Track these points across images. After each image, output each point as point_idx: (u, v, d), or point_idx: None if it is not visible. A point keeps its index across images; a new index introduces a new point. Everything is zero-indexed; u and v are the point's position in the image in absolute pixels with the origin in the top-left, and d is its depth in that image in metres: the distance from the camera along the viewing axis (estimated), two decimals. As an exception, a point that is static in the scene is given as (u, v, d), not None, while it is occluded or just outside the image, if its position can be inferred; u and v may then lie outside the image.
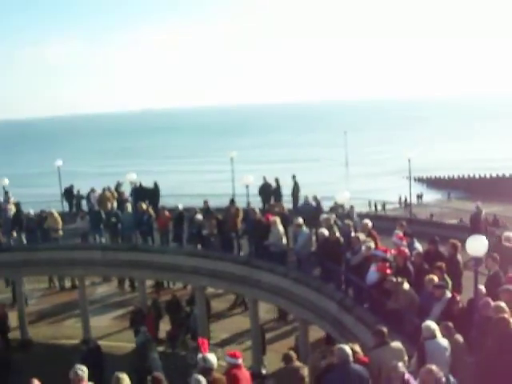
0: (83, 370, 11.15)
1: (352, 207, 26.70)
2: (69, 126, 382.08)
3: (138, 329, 27.71)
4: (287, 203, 32.70)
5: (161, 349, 28.79)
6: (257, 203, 31.64)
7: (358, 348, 12.43)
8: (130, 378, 11.18)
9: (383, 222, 30.42)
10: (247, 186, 25.74)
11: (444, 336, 11.88)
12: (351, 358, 11.20)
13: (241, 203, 29.55)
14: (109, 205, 33.85)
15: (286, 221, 26.10)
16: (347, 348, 11.37)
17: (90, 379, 11.30)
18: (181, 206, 30.53)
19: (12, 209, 33.53)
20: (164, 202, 34.84)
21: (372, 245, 18.92)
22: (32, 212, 32.58)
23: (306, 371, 11.93)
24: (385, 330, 12.43)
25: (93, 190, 37.29)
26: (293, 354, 12.18)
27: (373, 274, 17.36)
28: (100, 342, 26.39)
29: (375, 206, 63.55)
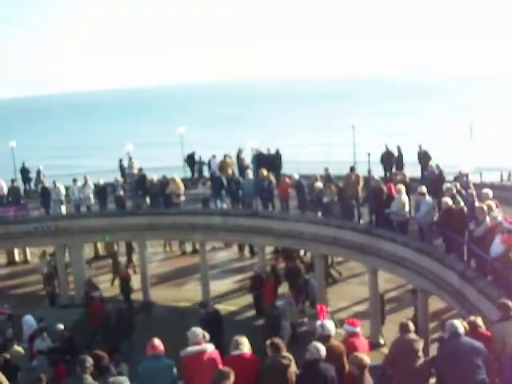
0: (201, 332, 11.31)
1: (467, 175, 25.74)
2: (186, 93, 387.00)
3: (255, 293, 28.04)
4: (409, 172, 32.00)
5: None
6: (378, 171, 31.09)
7: (480, 321, 12.05)
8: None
9: (509, 193, 29.23)
10: (368, 154, 25.28)
11: None
12: (461, 332, 10.87)
13: (361, 171, 29.12)
14: (229, 171, 34.23)
15: (408, 189, 25.61)
16: (457, 322, 11.05)
17: (209, 342, 11.46)
18: (297, 176, 30.46)
19: (136, 174, 34.43)
20: (285, 168, 34.82)
21: (499, 216, 18.24)
22: (155, 178, 33.31)
23: (421, 344, 11.63)
24: (510, 303, 11.99)
25: (214, 157, 37.75)
26: (410, 324, 11.89)
27: (497, 245, 16.77)
28: (219, 306, 26.77)
29: (501, 176, 61.36)
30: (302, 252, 34.49)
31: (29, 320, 23.75)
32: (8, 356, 18.41)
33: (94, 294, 28.98)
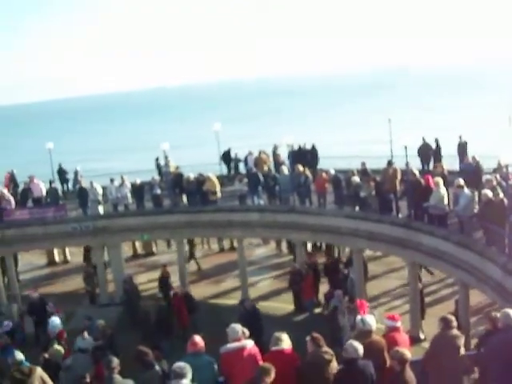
0: (241, 328, 11.31)
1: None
2: (206, 92, 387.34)
3: (294, 289, 27.90)
4: (446, 164, 31.69)
5: (318, 310, 28.96)
6: (416, 165, 30.81)
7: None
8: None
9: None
10: (405, 147, 25.05)
11: None
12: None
13: (399, 165, 28.88)
14: (265, 167, 34.18)
15: (446, 182, 25.35)
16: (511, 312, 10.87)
17: (248, 338, 11.45)
18: (333, 171, 30.36)
19: (173, 172, 34.57)
20: (321, 163, 34.69)
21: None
22: (191, 176, 33.41)
23: (462, 340, 11.45)
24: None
25: (250, 153, 37.76)
26: (451, 318, 11.72)
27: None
28: (258, 303, 26.75)
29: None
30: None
31: (54, 321, 24.02)
32: (47, 355, 18.54)
33: (175, 290, 29.11)
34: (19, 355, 13.20)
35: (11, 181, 39.49)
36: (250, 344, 11.20)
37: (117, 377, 10.72)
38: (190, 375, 9.95)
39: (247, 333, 11.61)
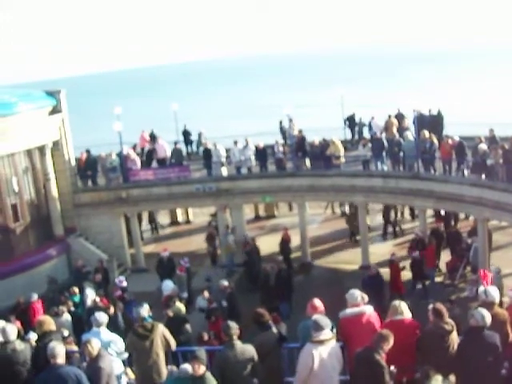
0: (359, 294, 11.30)
1: None
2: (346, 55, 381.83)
3: (415, 257, 27.47)
4: None
5: (439, 279, 28.53)
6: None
7: None
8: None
9: None
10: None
11: None
12: None
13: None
14: (394, 129, 33.54)
15: None
16: None
17: (368, 304, 11.43)
18: (457, 138, 29.62)
19: (297, 135, 34.61)
20: (447, 130, 33.86)
21: None
22: (316, 139, 33.37)
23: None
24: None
25: (373, 118, 37.32)
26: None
27: None
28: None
29: None
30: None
31: (168, 284, 24.81)
32: (171, 314, 19.14)
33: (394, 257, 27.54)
34: (143, 311, 13.65)
35: (149, 139, 40.48)
36: (369, 309, 11.19)
37: (237, 342, 10.85)
38: (329, 326, 10.13)
39: (366, 298, 11.60)
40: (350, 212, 35.34)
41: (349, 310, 11.11)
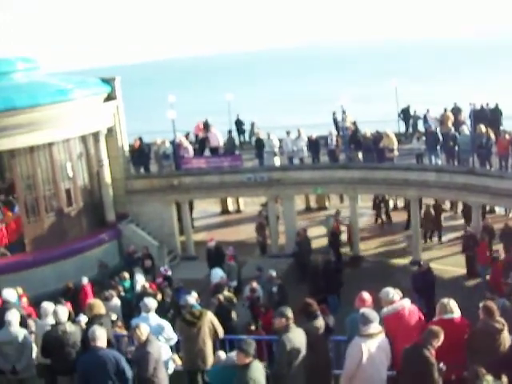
0: (393, 291, 11.22)
1: None
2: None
3: (468, 254, 27.06)
4: None
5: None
6: None
7: None
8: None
9: None
10: None
11: None
12: None
13: None
14: (449, 123, 33.05)
15: None
16: None
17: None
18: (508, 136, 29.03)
19: (350, 127, 34.34)
20: (505, 125, 33.26)
21: None
22: (368, 132, 33.09)
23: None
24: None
25: (429, 111, 36.85)
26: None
27: None
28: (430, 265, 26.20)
29: None
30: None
31: (217, 272, 24.93)
32: (222, 298, 19.28)
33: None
34: (191, 299, 13.66)
35: (204, 128, 40.63)
36: (407, 302, 11.10)
37: (293, 327, 10.69)
38: (378, 320, 10.03)
39: (400, 294, 11.48)
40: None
41: (389, 307, 11.06)
